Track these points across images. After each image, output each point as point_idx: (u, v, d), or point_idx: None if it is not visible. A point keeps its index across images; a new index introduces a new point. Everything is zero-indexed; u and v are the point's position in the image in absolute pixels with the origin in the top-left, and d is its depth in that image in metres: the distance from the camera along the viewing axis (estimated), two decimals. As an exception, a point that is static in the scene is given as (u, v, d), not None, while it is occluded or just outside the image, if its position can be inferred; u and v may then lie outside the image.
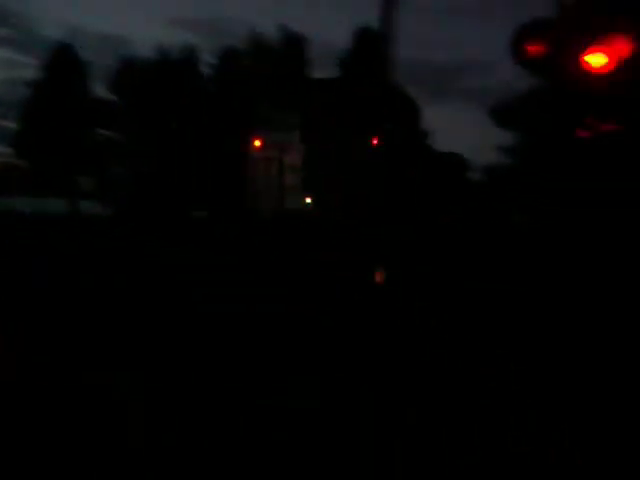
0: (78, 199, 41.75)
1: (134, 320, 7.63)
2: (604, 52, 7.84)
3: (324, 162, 44.72)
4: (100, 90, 51.36)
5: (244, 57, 50.63)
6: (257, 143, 41.53)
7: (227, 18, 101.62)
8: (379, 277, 8.91)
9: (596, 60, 7.71)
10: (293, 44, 51.16)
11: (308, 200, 45.87)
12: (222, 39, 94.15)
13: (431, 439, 4.10)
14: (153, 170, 47.89)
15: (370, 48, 46.69)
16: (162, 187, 47.21)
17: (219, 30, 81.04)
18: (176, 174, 47.10)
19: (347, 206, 38.01)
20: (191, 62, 50.94)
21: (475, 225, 31.22)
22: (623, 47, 7.74)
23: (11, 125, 51.37)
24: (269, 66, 49.56)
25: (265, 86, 48.67)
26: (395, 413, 4.48)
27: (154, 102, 48.63)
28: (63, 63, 49.35)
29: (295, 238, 25.30)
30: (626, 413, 4.48)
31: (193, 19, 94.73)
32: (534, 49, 7.79)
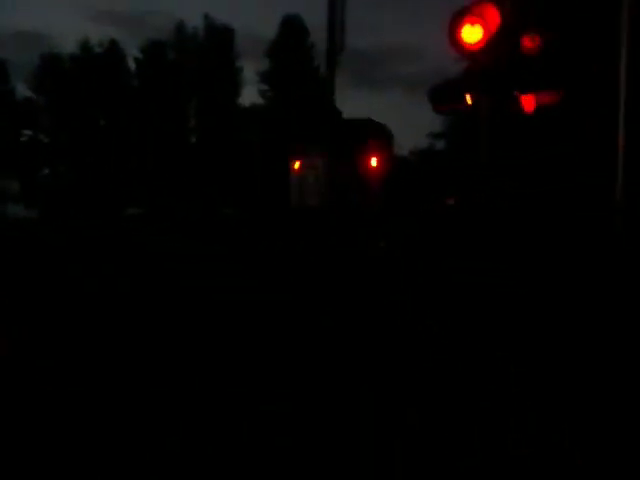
0: (4, 202, 40.54)
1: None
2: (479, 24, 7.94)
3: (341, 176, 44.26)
4: (21, 89, 49.86)
5: (169, 50, 49.82)
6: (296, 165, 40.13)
7: (152, 11, 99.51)
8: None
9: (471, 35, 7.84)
10: (219, 35, 50.49)
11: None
12: (147, 33, 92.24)
13: (431, 440, 4.12)
14: (81, 169, 46.80)
15: (297, 38, 46.59)
16: (92, 186, 46.18)
17: (143, 23, 79.43)
18: (108, 172, 46.14)
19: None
20: (116, 57, 49.84)
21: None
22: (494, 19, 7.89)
23: None
24: (195, 58, 48.87)
25: (193, 79, 47.99)
26: (395, 413, 4.49)
27: (78, 99, 47.47)
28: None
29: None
30: (626, 413, 4.48)
31: (116, 13, 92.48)
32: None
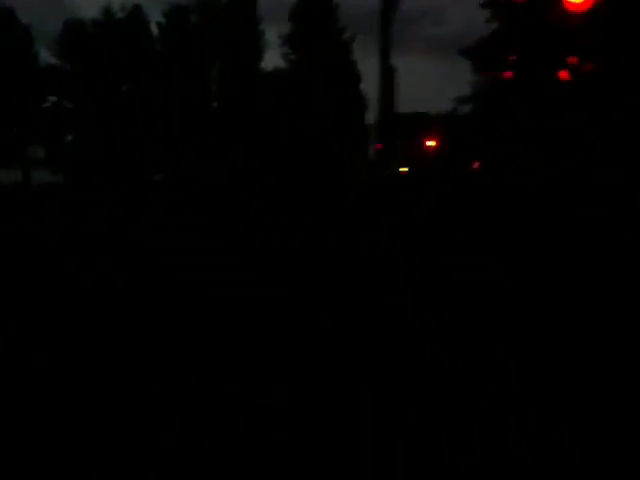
0: (29, 168, 40.89)
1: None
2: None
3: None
4: (45, 55, 49.93)
5: (192, 14, 49.47)
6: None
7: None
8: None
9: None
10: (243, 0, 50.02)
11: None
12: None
13: (430, 437, 4.12)
14: (106, 135, 46.92)
15: (318, 0, 46.02)
16: (117, 152, 46.34)
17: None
18: (132, 138, 46.23)
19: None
20: (138, 22, 49.62)
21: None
22: None
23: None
24: (218, 22, 48.52)
25: (216, 43, 47.68)
26: (395, 413, 4.49)
27: (102, 65, 47.43)
28: (4, 29, 47.74)
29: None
30: (626, 412, 4.49)
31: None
32: None
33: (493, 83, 28.43)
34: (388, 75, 8.29)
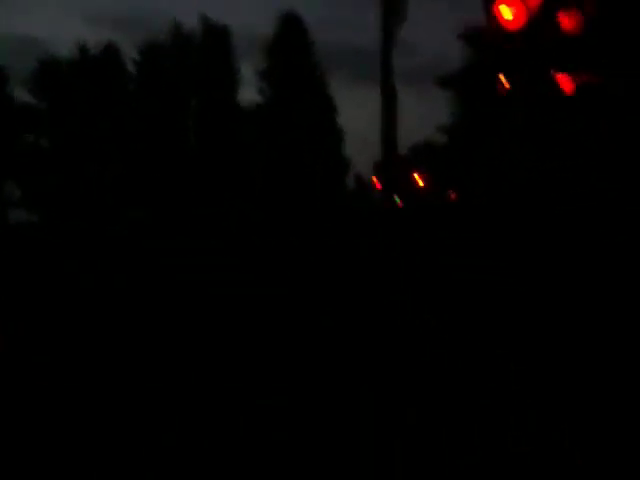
0: (5, 207, 40.54)
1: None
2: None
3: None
4: (20, 94, 49.66)
5: (166, 51, 49.65)
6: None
7: (148, 11, 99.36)
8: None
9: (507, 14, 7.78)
10: (216, 34, 50.34)
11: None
12: (143, 34, 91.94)
13: (430, 437, 4.06)
14: (81, 173, 46.68)
15: (295, 35, 46.47)
16: (92, 189, 46.08)
17: (140, 25, 79.29)
18: (108, 175, 46.03)
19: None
20: (113, 59, 49.67)
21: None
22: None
23: None
24: (193, 58, 48.76)
25: (191, 80, 47.86)
26: (395, 413, 4.45)
27: (77, 103, 47.33)
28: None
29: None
30: (626, 412, 4.45)
31: (112, 15, 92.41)
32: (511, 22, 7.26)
33: (474, 112, 28.72)
34: (391, 109, 8.32)
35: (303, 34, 47.78)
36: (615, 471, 3.71)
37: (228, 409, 4.55)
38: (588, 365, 5.39)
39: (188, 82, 47.96)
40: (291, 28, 47.01)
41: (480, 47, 20.54)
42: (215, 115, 46.90)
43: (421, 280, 9.27)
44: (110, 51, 49.89)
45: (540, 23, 7.62)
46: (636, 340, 5.84)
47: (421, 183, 47.96)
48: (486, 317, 6.90)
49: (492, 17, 7.37)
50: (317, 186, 44.66)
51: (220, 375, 5.32)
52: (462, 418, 4.37)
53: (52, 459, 3.78)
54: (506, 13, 7.24)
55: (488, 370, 5.32)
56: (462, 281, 9.00)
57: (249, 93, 53.81)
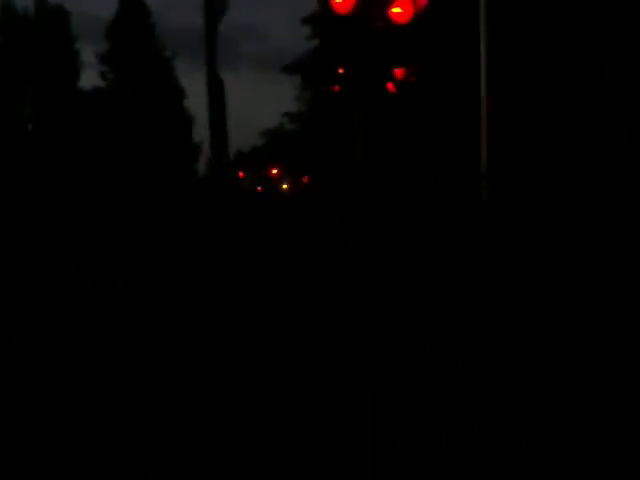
0: None
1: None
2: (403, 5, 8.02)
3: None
4: None
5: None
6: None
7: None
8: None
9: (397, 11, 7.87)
10: (53, 17, 47.99)
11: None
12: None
13: (431, 439, 4.09)
14: None
15: (136, 17, 45.13)
16: None
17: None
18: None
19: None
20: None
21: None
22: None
23: None
24: (28, 41, 46.21)
25: (26, 64, 45.37)
26: (395, 413, 4.46)
27: None
28: None
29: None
30: (627, 412, 4.45)
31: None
32: (341, 4, 7.65)
33: (319, 99, 28.98)
34: (216, 89, 8.06)
35: (145, 16, 46.47)
36: (615, 471, 3.74)
37: (228, 409, 4.54)
38: (589, 365, 5.37)
39: (23, 65, 45.40)
40: (132, 10, 45.56)
41: (321, 33, 20.67)
42: (54, 101, 44.69)
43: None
44: None
45: (370, 10, 7.54)
46: (636, 339, 5.86)
47: (274, 171, 53.88)
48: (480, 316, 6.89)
49: None
50: (166, 172, 43.60)
51: (220, 374, 5.29)
52: (462, 418, 4.37)
53: (52, 459, 3.83)
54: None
55: (488, 370, 5.26)
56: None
57: (91, 77, 51.80)
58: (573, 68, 12.79)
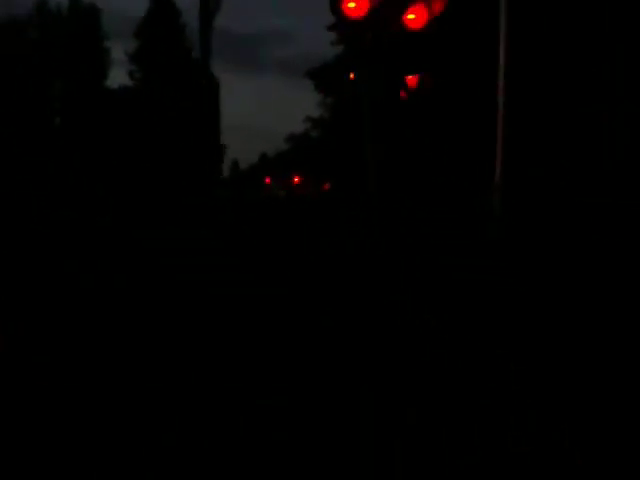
0: None
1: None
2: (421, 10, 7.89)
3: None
4: None
5: (30, 29, 47.21)
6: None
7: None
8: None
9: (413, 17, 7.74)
10: (85, 14, 48.30)
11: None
12: (6, 10, 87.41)
13: (431, 439, 4.09)
14: None
15: (166, 17, 45.25)
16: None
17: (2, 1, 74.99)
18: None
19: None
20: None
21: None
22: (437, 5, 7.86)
23: None
24: (60, 38, 46.53)
25: (57, 60, 45.67)
26: (395, 413, 4.46)
27: None
28: None
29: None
30: (627, 412, 4.48)
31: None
32: (354, 9, 7.34)
33: (340, 105, 28.75)
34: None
35: (176, 16, 46.55)
36: (615, 471, 3.73)
37: (228, 409, 4.55)
38: (588, 365, 5.38)
39: (53, 61, 45.69)
40: (163, 9, 45.69)
41: (343, 39, 20.58)
42: (82, 98, 44.93)
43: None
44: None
45: (384, 15, 7.43)
46: (635, 339, 5.90)
47: (297, 179, 57.45)
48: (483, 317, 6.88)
49: (335, 3, 7.11)
50: (192, 173, 43.63)
51: (220, 374, 5.31)
52: (462, 418, 4.37)
53: (52, 459, 3.82)
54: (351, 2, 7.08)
55: (488, 370, 5.27)
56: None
57: (119, 75, 52.05)
58: (574, 69, 12.90)
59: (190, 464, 3.81)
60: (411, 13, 7.65)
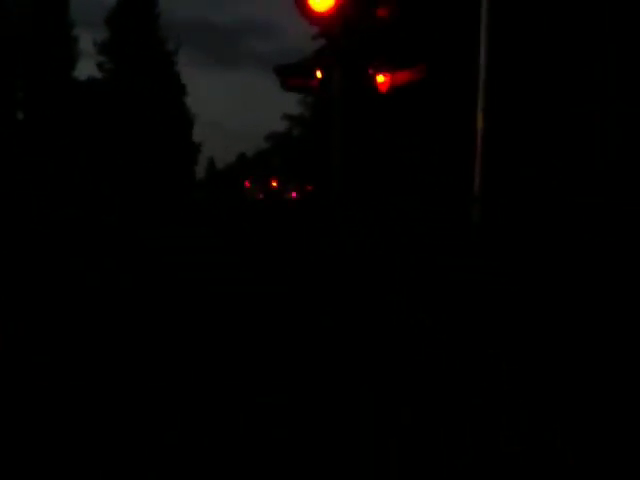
0: None
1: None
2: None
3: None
4: None
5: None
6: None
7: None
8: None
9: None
10: (54, 2, 45.53)
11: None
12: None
13: (426, 438, 4.09)
14: None
15: (138, 5, 42.65)
16: None
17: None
18: None
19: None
20: None
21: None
22: None
23: None
24: (29, 27, 43.82)
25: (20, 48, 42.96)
26: (392, 412, 4.48)
27: None
28: None
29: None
30: (622, 412, 4.44)
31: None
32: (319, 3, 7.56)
33: (318, 103, 27.18)
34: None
35: (150, 5, 43.93)
36: (607, 471, 3.79)
37: (228, 407, 4.58)
38: (580, 364, 5.41)
39: (16, 49, 42.93)
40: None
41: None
42: (46, 88, 42.19)
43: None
44: None
45: (352, 9, 7.41)
46: (630, 340, 5.94)
47: (274, 183, 58.63)
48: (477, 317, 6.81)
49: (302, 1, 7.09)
50: (163, 173, 41.09)
51: (220, 372, 5.30)
52: (456, 417, 4.42)
53: (52, 459, 3.83)
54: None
55: (480, 370, 5.29)
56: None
57: (90, 67, 49.66)
58: (565, 68, 12.94)
59: (191, 462, 3.84)
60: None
